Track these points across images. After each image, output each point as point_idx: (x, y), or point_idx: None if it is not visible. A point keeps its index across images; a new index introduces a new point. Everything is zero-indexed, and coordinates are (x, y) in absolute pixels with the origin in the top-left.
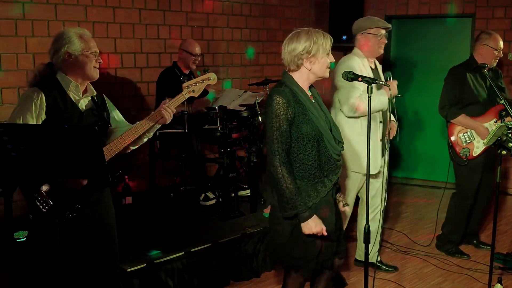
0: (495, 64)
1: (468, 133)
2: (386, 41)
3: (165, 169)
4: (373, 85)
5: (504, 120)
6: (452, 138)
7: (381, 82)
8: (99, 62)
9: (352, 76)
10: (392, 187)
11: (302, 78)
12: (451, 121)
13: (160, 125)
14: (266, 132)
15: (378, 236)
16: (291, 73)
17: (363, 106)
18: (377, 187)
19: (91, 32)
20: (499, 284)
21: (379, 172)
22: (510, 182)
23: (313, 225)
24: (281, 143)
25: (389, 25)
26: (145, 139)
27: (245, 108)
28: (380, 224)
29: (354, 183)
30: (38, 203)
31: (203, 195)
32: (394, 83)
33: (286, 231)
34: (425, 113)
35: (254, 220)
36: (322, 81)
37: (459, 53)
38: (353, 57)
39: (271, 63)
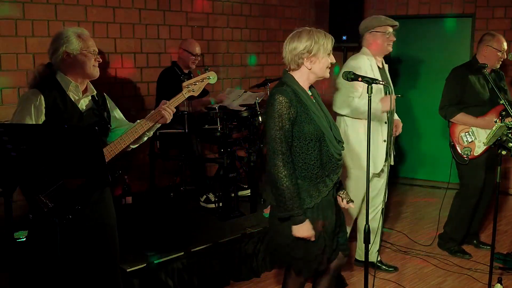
0: (498, 66)
1: (470, 132)
2: (395, 39)
3: (165, 169)
4: (373, 85)
5: (504, 120)
6: (454, 138)
7: (381, 82)
8: (98, 61)
9: (352, 76)
10: (393, 187)
11: (303, 77)
12: (451, 120)
13: (160, 125)
14: (268, 132)
15: (378, 235)
16: (291, 73)
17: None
18: (379, 186)
19: (91, 32)
20: (499, 284)
21: (382, 171)
22: (510, 182)
23: (304, 230)
24: (285, 143)
25: (396, 23)
26: (145, 138)
27: (245, 108)
28: (381, 224)
29: (360, 183)
30: (39, 204)
31: (205, 196)
32: (390, 97)
33: (286, 231)
34: (425, 113)
35: (254, 220)
36: (322, 81)
37: (459, 53)
38: (361, 56)
39: (271, 63)
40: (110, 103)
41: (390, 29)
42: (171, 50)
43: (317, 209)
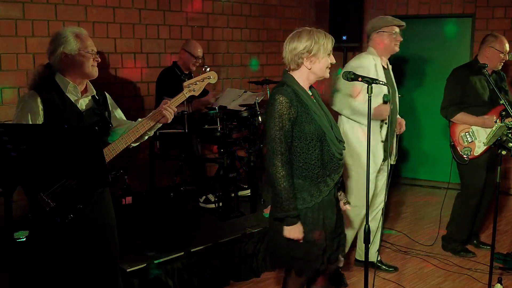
0: (500, 67)
1: (470, 132)
2: (402, 39)
3: (165, 169)
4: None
5: (504, 120)
6: (454, 138)
7: (381, 82)
8: (97, 61)
9: (352, 76)
10: (393, 187)
11: (303, 77)
12: (451, 119)
13: (161, 124)
14: (268, 132)
15: (378, 235)
16: (291, 73)
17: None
18: (380, 186)
19: (91, 32)
20: (499, 284)
21: (382, 171)
22: (510, 182)
23: (296, 231)
24: (284, 143)
25: (403, 23)
26: (146, 137)
27: (245, 108)
28: (380, 224)
29: (361, 182)
30: (40, 203)
31: (204, 197)
32: (383, 108)
33: None
34: (425, 113)
35: (254, 220)
36: (322, 81)
37: (459, 53)
38: (367, 55)
39: (271, 63)
40: (111, 102)
41: (397, 29)
42: (171, 50)
43: (317, 208)
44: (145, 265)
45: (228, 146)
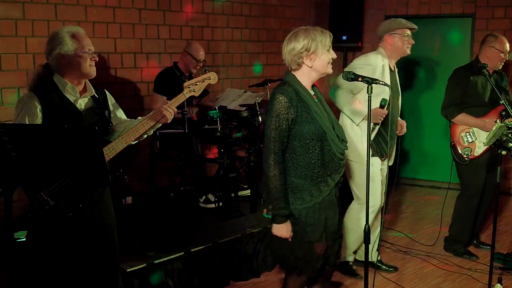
0: (501, 67)
1: (470, 133)
2: (413, 42)
3: (165, 169)
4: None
5: (504, 120)
6: (455, 138)
7: (381, 82)
8: (95, 60)
9: (352, 76)
10: (393, 187)
11: (304, 76)
12: (452, 120)
13: (160, 124)
14: (265, 130)
15: (376, 234)
16: (293, 72)
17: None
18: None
19: (91, 32)
20: (499, 284)
21: (381, 170)
22: (510, 182)
23: (284, 230)
24: (278, 142)
25: (415, 26)
26: (145, 136)
27: (245, 108)
28: (381, 223)
29: (362, 175)
30: (40, 201)
31: (204, 197)
32: (378, 111)
33: None
34: (425, 113)
35: (254, 220)
36: (322, 81)
37: (459, 53)
38: (377, 55)
39: (271, 63)
40: (111, 100)
41: (409, 32)
42: (171, 50)
43: (318, 208)
44: (145, 265)
45: (228, 146)
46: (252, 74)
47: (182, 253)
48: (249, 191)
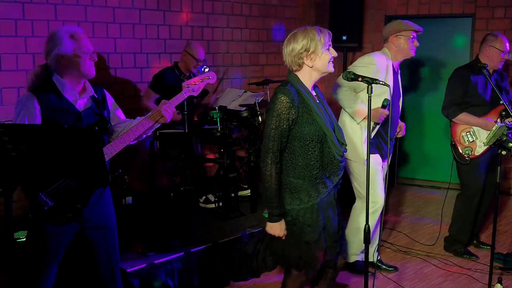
0: (500, 66)
1: (471, 132)
2: (419, 44)
3: (165, 169)
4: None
5: (504, 120)
6: (455, 137)
7: (381, 83)
8: (93, 60)
9: (352, 76)
10: (393, 187)
11: (306, 77)
12: (453, 120)
13: (159, 124)
14: (265, 129)
15: (376, 235)
16: (295, 73)
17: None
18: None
19: (91, 32)
20: (499, 284)
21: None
22: (510, 182)
23: (277, 229)
24: (277, 142)
25: (421, 28)
26: (144, 136)
27: (245, 108)
28: (381, 223)
29: (362, 176)
30: (39, 202)
31: (204, 197)
32: (380, 111)
33: (287, 231)
34: (425, 113)
35: (254, 220)
36: (322, 82)
37: (459, 53)
38: (382, 55)
39: (271, 63)
40: (110, 100)
41: (414, 34)
42: (171, 50)
43: (317, 209)
44: (145, 265)
45: (228, 146)
46: (253, 74)
47: (182, 253)
48: (249, 191)
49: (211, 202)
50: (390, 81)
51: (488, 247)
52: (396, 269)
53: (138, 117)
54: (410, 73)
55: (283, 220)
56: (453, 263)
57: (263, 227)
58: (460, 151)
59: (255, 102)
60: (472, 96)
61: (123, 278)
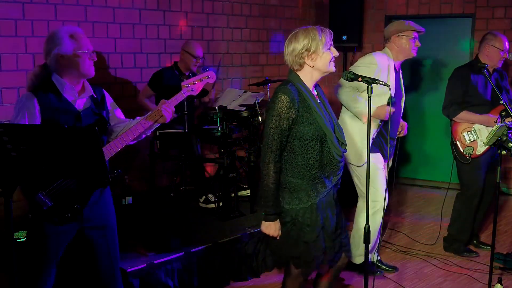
0: (500, 65)
1: (472, 131)
2: (420, 45)
3: (165, 169)
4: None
5: (504, 120)
6: (456, 137)
7: (381, 83)
8: (93, 60)
9: (352, 76)
10: (393, 187)
11: (307, 76)
12: (454, 119)
13: (159, 124)
14: (265, 128)
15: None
16: (296, 72)
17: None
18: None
19: (91, 32)
20: (499, 284)
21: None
22: (510, 182)
23: (272, 229)
24: (277, 141)
25: (423, 29)
26: (143, 136)
27: (245, 108)
28: (381, 223)
29: (362, 178)
30: (38, 202)
31: (204, 197)
32: (386, 108)
33: (286, 230)
34: (425, 113)
35: (254, 220)
36: (324, 82)
37: (459, 53)
38: (383, 55)
39: (271, 63)
40: (109, 100)
41: (416, 34)
42: (171, 50)
43: (316, 209)
44: (145, 265)
45: (228, 146)
46: (253, 74)
47: (182, 253)
48: (249, 191)
49: (211, 202)
50: (392, 81)
51: (488, 247)
52: (396, 269)
53: (137, 117)
54: (411, 73)
55: (278, 220)
56: (453, 263)
57: None
58: (462, 150)
59: (255, 102)
60: (472, 96)
61: (123, 278)
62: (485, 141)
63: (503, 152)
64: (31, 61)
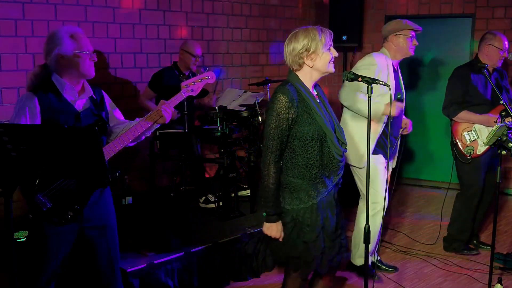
0: (499, 64)
1: (473, 131)
2: (418, 43)
3: (165, 169)
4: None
5: (503, 120)
6: (457, 137)
7: (381, 83)
8: (93, 60)
9: (352, 76)
10: (393, 187)
11: (306, 76)
12: (454, 118)
13: (158, 125)
14: (265, 129)
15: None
16: (295, 72)
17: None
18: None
19: (91, 32)
20: (499, 284)
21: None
22: (510, 182)
23: (273, 230)
24: (277, 142)
25: (420, 28)
26: (143, 137)
27: (245, 108)
28: (381, 224)
29: (376, 176)
30: (37, 203)
31: (204, 197)
32: (396, 104)
33: (286, 230)
34: (425, 113)
35: (254, 220)
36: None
37: (459, 53)
38: (382, 55)
39: (271, 63)
40: (108, 101)
41: (413, 33)
42: (171, 50)
43: (316, 209)
44: (145, 265)
45: (228, 146)
46: (253, 74)
47: (182, 253)
48: (249, 191)
49: (211, 202)
50: (392, 80)
51: (488, 247)
52: (396, 269)
53: (137, 119)
54: (410, 73)
55: (280, 221)
56: (453, 263)
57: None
58: (462, 150)
59: (255, 102)
60: (472, 96)
61: (123, 278)
62: (485, 141)
63: (503, 152)
64: (31, 61)
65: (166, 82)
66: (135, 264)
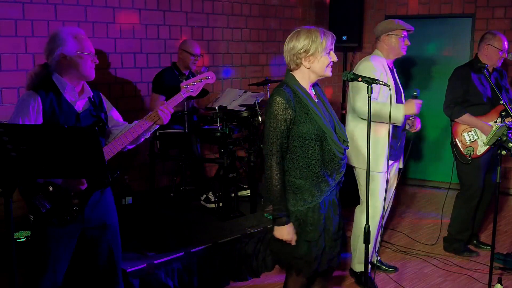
0: (499, 64)
1: (473, 132)
2: (410, 43)
3: (165, 169)
4: (373, 85)
5: (504, 120)
6: (457, 137)
7: (381, 83)
8: (95, 62)
9: (352, 77)
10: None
11: (304, 77)
12: (455, 120)
13: (157, 126)
14: (265, 131)
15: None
16: (293, 72)
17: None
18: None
19: (91, 32)
20: (499, 284)
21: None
22: (510, 182)
23: (285, 232)
24: (277, 144)
25: (412, 28)
26: (143, 138)
27: (245, 108)
28: (382, 222)
29: (373, 183)
30: (36, 205)
31: (205, 195)
32: (414, 102)
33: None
34: (425, 113)
35: (254, 220)
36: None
37: (459, 53)
38: (375, 56)
39: (271, 63)
40: (106, 103)
41: (405, 33)
42: (171, 50)
43: (319, 208)
44: (145, 265)
45: (228, 146)
46: (253, 74)
47: (182, 253)
48: (249, 191)
49: (211, 202)
50: (391, 80)
51: (488, 247)
52: (396, 269)
53: (135, 121)
54: (411, 73)
55: (291, 223)
56: (453, 263)
57: (263, 227)
58: (462, 150)
59: (255, 102)
60: (472, 95)
61: (123, 278)
62: (485, 141)
63: (503, 152)
64: (31, 61)
65: (167, 82)
66: (135, 264)
